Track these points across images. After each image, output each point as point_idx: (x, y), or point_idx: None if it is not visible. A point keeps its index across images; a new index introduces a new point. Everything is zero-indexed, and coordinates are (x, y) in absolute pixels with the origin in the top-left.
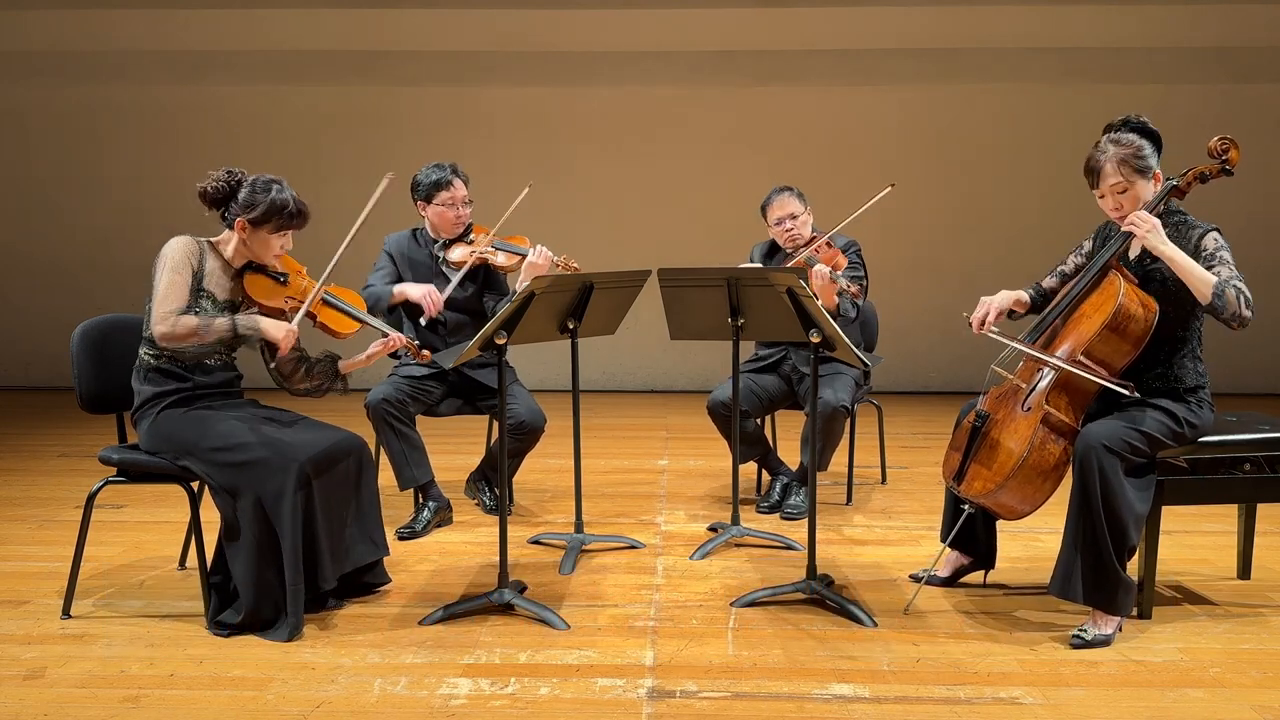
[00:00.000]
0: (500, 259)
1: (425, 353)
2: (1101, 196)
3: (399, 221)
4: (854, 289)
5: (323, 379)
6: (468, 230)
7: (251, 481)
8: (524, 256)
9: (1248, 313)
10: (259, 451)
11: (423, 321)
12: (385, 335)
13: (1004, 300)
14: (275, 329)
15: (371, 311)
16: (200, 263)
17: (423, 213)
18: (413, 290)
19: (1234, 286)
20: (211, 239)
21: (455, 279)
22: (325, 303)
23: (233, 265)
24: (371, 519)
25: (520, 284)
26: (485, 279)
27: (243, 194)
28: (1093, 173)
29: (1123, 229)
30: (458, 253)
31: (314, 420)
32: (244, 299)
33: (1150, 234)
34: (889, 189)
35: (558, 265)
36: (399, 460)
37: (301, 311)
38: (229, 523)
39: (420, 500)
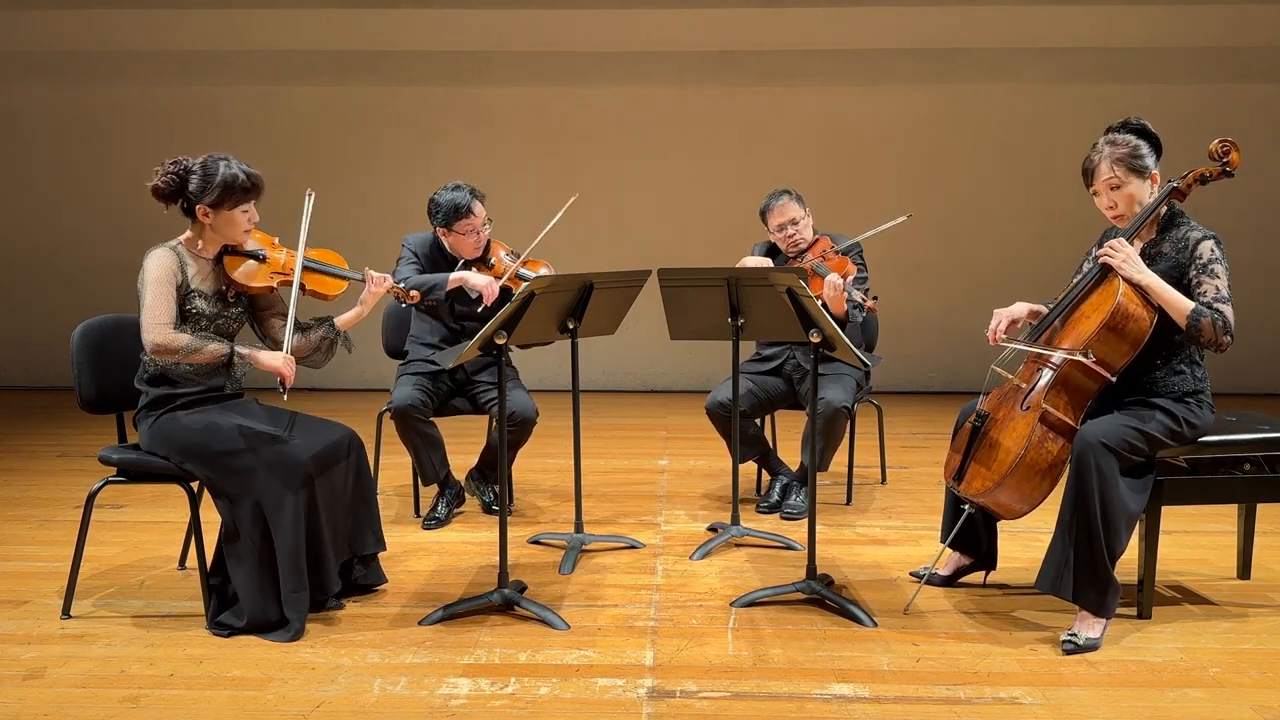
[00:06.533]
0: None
1: (414, 293)
2: (1096, 194)
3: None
4: (870, 303)
5: (324, 342)
6: (487, 249)
7: (253, 487)
8: None
9: (1226, 339)
10: (260, 458)
11: (480, 310)
12: (363, 281)
13: (1017, 310)
14: (273, 360)
15: (427, 297)
16: (181, 272)
17: (443, 237)
18: (476, 279)
19: (1213, 312)
20: (182, 240)
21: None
22: (309, 269)
23: (209, 256)
24: (370, 512)
25: None
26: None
27: (193, 182)
28: (1087, 173)
29: (1098, 258)
30: (479, 280)
31: (310, 417)
32: (229, 286)
33: (1125, 264)
34: (905, 218)
35: None
36: (424, 459)
37: (294, 294)
38: (229, 528)
39: (439, 491)
